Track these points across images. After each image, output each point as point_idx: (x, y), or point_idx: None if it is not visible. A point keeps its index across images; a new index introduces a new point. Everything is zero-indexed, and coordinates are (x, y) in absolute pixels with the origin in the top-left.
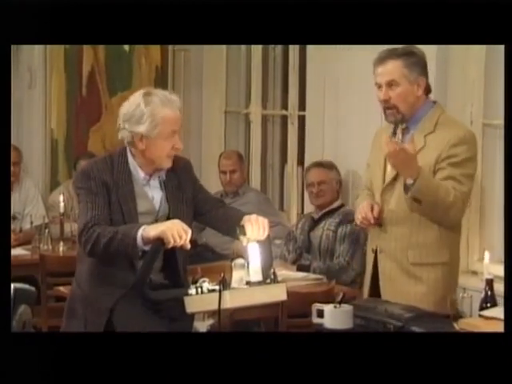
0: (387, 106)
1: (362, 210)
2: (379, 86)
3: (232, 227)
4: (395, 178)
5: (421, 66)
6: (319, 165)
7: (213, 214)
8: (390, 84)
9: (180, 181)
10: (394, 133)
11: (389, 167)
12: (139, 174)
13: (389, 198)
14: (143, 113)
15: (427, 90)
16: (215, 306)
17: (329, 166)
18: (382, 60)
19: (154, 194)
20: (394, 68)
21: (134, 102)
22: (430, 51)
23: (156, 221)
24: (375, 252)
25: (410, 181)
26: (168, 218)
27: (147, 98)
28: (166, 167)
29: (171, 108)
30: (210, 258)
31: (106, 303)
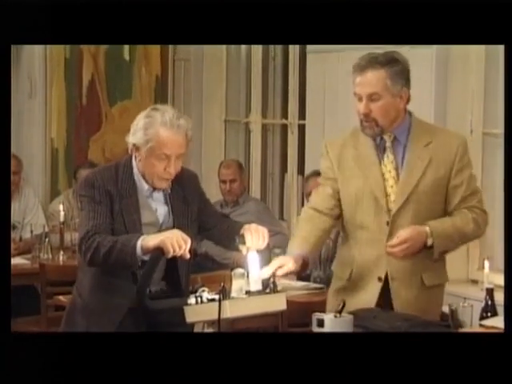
0: (366, 119)
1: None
2: (359, 98)
3: (233, 239)
4: (407, 199)
5: (405, 75)
6: (319, 174)
7: (218, 229)
8: (371, 97)
9: (185, 194)
10: (381, 149)
11: (392, 188)
12: (143, 185)
13: (402, 221)
14: (139, 124)
15: (408, 101)
16: (215, 316)
17: None
18: (362, 68)
19: (157, 206)
20: (376, 79)
21: (142, 112)
22: (428, 61)
23: (159, 232)
24: (384, 280)
25: (430, 242)
26: None
27: (151, 111)
28: (159, 187)
29: (170, 131)
30: (210, 268)
31: (113, 317)
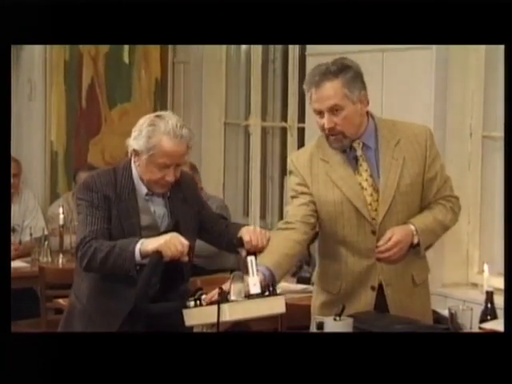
0: (332, 133)
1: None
2: (319, 113)
3: (231, 241)
4: (391, 204)
5: (359, 79)
6: None
7: (216, 230)
8: (333, 109)
9: (185, 195)
10: (352, 158)
11: (372, 197)
12: (142, 188)
13: (388, 227)
14: (142, 131)
15: (367, 104)
16: (214, 319)
17: None
18: (317, 83)
19: (155, 209)
20: (333, 90)
21: (145, 117)
22: (428, 64)
23: (158, 235)
24: (377, 288)
25: (416, 240)
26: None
27: (156, 119)
28: (157, 192)
29: (172, 141)
30: (208, 271)
31: (112, 321)
